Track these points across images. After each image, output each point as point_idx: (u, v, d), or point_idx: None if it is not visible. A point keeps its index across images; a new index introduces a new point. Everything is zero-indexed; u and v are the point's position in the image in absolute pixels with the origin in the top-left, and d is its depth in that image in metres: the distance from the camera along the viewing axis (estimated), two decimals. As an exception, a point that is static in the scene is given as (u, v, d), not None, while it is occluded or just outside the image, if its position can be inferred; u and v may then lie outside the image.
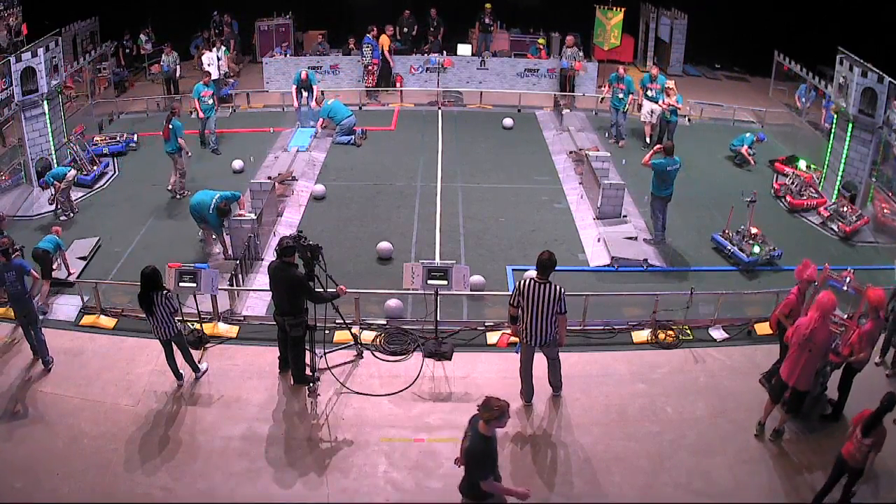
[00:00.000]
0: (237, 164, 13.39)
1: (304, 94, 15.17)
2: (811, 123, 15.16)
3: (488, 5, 18.63)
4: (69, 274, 9.76)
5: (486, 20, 18.67)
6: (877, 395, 7.42)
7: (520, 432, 7.30)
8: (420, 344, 8.50)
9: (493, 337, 8.70)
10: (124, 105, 16.85)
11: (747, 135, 14.26)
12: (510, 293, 9.21)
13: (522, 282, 7.05)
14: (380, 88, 17.59)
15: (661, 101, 13.89)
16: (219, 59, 16.15)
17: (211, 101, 14.07)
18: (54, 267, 9.37)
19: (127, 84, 18.31)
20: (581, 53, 17.67)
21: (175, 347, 7.68)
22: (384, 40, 17.36)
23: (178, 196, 12.23)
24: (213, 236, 10.42)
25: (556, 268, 7.09)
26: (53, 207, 11.57)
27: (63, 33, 14.74)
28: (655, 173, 10.42)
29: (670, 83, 14.04)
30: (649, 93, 14.48)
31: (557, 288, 6.95)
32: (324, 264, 7.60)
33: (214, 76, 15.84)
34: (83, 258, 10.29)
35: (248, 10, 19.73)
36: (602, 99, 14.96)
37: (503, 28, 19.77)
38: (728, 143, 14.47)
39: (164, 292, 7.44)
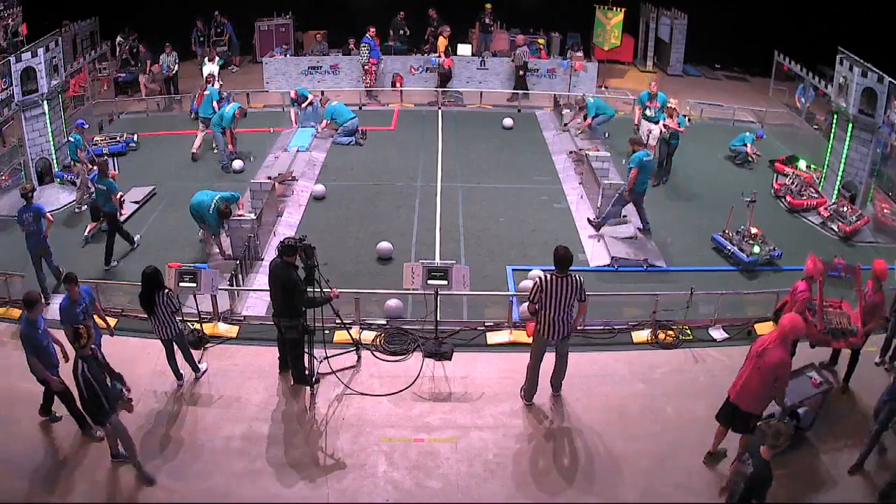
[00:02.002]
0: (237, 164, 13.41)
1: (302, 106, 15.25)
2: (809, 121, 15.20)
3: (488, 5, 18.64)
4: (120, 214, 10.86)
5: (486, 20, 18.67)
6: (878, 392, 7.42)
7: (520, 433, 7.30)
8: (420, 344, 8.50)
9: (493, 337, 8.71)
10: (124, 105, 16.86)
11: (747, 133, 14.27)
12: (508, 293, 9.31)
13: (542, 279, 7.03)
14: (449, 90, 17.72)
15: (661, 122, 12.75)
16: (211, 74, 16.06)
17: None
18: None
19: (137, 84, 18.20)
20: (528, 50, 17.66)
21: (175, 347, 7.68)
22: (442, 42, 17.44)
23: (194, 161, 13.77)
24: (213, 237, 10.42)
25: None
26: (79, 197, 11.94)
27: (63, 33, 14.74)
28: (638, 169, 10.52)
29: (672, 102, 12.89)
30: (648, 112, 13.44)
31: (578, 278, 7.07)
32: (317, 264, 7.57)
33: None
34: (136, 202, 11.83)
35: (249, 10, 19.71)
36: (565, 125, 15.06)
37: (503, 28, 19.77)
38: (728, 143, 14.47)
39: (166, 291, 7.46)
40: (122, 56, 18.16)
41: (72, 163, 12.43)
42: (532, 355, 7.47)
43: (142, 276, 7.36)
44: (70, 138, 12.43)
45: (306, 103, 15.17)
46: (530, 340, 7.68)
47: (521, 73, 17.50)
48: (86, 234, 10.90)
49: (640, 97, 14.09)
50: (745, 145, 14.04)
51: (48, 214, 9.29)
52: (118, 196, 10.33)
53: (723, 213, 10.92)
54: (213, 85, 14.80)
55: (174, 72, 17.05)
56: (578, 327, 7.53)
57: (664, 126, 12.62)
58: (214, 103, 13.92)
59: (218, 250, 10.39)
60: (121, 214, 11.06)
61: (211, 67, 15.90)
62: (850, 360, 7.82)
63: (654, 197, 12.49)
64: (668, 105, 12.80)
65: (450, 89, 17.74)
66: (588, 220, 11.18)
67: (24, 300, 6.93)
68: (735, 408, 6.50)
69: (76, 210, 11.88)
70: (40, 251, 9.22)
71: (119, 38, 18.12)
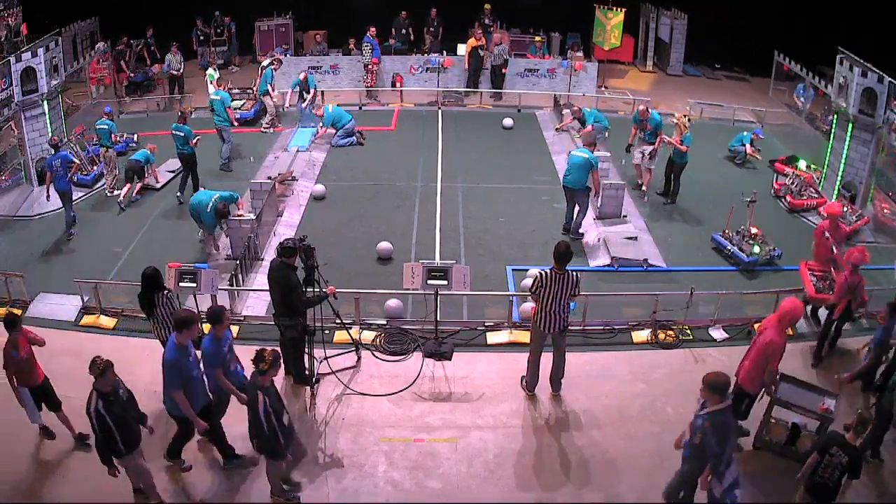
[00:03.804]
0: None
1: (304, 96, 15.25)
2: (809, 121, 15.20)
3: (488, 5, 18.64)
4: (157, 182, 12.60)
5: (486, 20, 18.66)
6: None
7: (520, 433, 7.31)
8: (420, 344, 8.51)
9: (493, 337, 8.71)
10: (124, 105, 16.85)
11: (745, 133, 14.26)
12: (508, 293, 9.32)
13: (542, 275, 7.18)
14: (470, 90, 17.82)
15: (662, 137, 12.11)
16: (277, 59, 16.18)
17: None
18: (147, 173, 12.38)
19: (152, 84, 18.12)
20: (506, 47, 17.66)
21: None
22: (471, 44, 17.52)
23: (271, 130, 15.27)
24: (209, 235, 10.43)
25: (556, 268, 7.14)
26: (110, 184, 12.55)
27: (63, 33, 14.73)
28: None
29: (678, 117, 12.08)
30: (641, 134, 12.59)
31: (575, 275, 7.23)
32: (317, 265, 7.56)
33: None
34: (172, 171, 12.93)
35: (249, 10, 19.71)
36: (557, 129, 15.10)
37: (503, 28, 19.76)
38: (728, 143, 14.46)
39: (166, 292, 7.45)
40: (133, 56, 18.14)
41: (104, 148, 12.77)
42: (532, 348, 7.59)
43: (141, 277, 7.34)
44: (102, 125, 12.77)
45: (308, 101, 15.14)
46: (528, 340, 7.71)
47: (503, 70, 17.50)
48: (119, 200, 11.82)
49: (632, 118, 13.39)
50: (744, 145, 14.05)
51: (75, 159, 11.28)
52: (195, 141, 11.71)
53: (723, 213, 10.92)
54: (273, 67, 15.55)
55: (180, 71, 17.04)
56: (573, 327, 7.64)
57: (660, 139, 12.09)
58: (269, 86, 15.20)
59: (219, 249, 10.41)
60: (158, 182, 12.57)
61: (214, 74, 15.92)
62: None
63: (654, 197, 12.53)
64: (678, 121, 12.03)
65: (471, 90, 17.81)
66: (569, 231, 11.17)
67: (177, 321, 6.10)
68: (737, 382, 6.78)
69: (108, 194, 12.33)
70: (65, 194, 10.73)
71: (100, 45, 17.43)
